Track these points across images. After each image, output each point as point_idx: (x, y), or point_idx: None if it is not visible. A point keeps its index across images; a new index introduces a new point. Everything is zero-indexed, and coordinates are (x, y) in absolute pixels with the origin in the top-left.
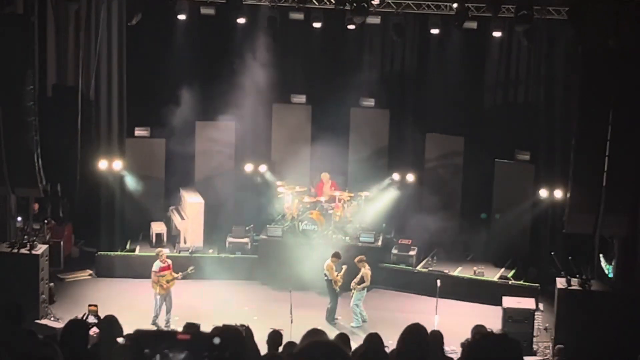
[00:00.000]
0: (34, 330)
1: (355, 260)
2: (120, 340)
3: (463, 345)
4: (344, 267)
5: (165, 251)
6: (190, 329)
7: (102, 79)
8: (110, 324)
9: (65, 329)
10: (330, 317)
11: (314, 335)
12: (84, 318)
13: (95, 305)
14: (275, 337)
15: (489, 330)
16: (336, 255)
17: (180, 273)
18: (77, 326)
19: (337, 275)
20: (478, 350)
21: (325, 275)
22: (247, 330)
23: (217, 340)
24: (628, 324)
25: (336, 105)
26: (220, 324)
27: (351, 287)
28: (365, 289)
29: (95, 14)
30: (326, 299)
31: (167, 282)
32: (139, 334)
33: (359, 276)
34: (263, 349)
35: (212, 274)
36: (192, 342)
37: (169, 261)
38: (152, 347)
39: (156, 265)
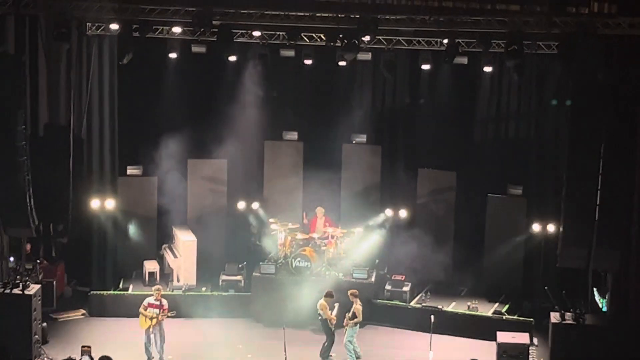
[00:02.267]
0: None
1: (349, 292)
2: None
3: None
4: (337, 305)
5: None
6: None
7: (94, 118)
8: None
9: None
10: (325, 355)
11: None
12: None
13: (89, 346)
14: None
15: None
16: (329, 295)
17: (163, 315)
18: None
19: (331, 314)
20: None
21: (320, 315)
22: None
23: None
24: (622, 358)
25: (328, 142)
26: None
27: (344, 323)
28: (358, 325)
29: (87, 53)
30: (320, 336)
31: (150, 319)
32: None
33: (351, 311)
34: None
35: (205, 312)
36: None
37: (165, 302)
38: None
39: (146, 300)
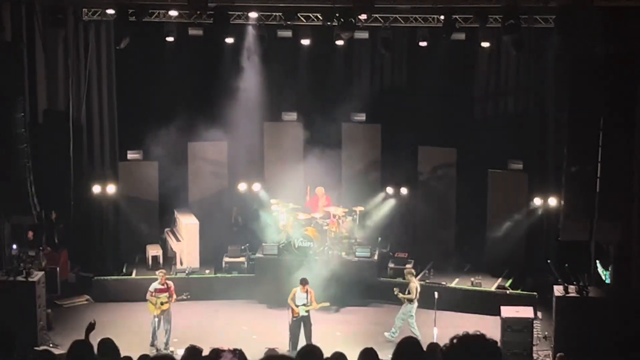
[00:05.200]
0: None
1: (405, 271)
2: None
3: (441, 349)
4: (327, 303)
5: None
6: (192, 351)
7: (93, 103)
8: (106, 348)
9: (70, 350)
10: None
11: (308, 350)
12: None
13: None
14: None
15: (464, 332)
16: (302, 282)
17: (173, 297)
18: (82, 347)
19: (296, 306)
20: (457, 352)
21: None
22: (240, 355)
23: None
24: (627, 329)
25: (327, 121)
26: (218, 345)
27: (399, 296)
28: (415, 303)
29: (84, 38)
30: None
31: (162, 304)
32: None
33: (406, 290)
34: None
35: (209, 295)
36: None
37: (170, 283)
38: None
39: (152, 286)
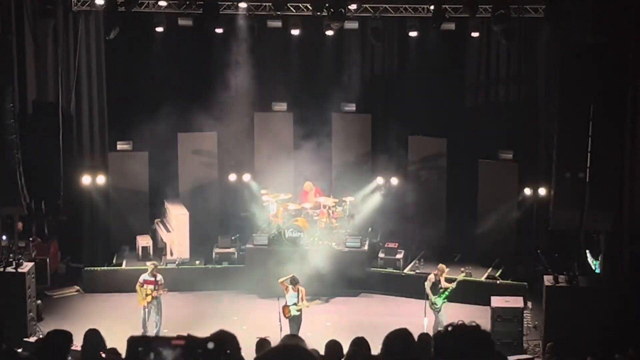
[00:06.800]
0: (14, 350)
1: (440, 268)
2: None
3: (435, 336)
4: (317, 301)
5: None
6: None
7: (83, 93)
8: (93, 338)
9: (45, 339)
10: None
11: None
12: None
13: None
14: (263, 345)
15: (460, 321)
16: (292, 282)
17: (160, 291)
18: (58, 337)
19: (286, 308)
20: (449, 341)
21: None
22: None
23: (211, 345)
24: (617, 318)
25: (317, 111)
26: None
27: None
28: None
29: (73, 29)
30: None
31: (146, 295)
32: (133, 339)
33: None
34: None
35: (199, 285)
36: (186, 347)
37: (159, 277)
38: (146, 346)
39: (142, 277)
